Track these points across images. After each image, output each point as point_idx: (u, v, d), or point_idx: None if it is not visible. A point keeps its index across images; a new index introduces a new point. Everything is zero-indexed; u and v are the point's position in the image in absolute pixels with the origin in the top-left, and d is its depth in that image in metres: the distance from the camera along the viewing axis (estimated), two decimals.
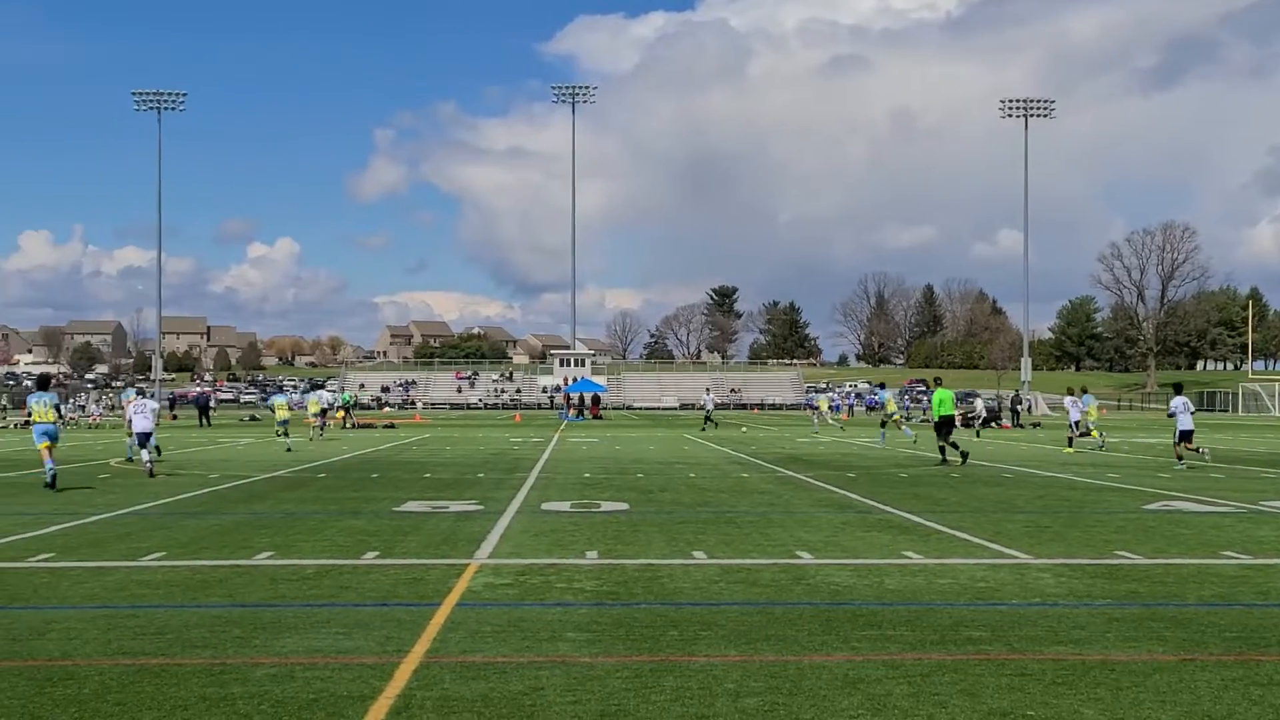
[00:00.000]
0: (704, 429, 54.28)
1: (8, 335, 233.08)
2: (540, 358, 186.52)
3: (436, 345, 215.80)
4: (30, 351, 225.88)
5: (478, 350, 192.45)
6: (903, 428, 43.56)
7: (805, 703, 6.89)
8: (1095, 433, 38.08)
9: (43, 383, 23.80)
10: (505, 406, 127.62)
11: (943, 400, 29.79)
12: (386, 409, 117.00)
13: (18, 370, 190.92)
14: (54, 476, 21.57)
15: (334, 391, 56.25)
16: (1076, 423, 38.03)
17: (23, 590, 10.59)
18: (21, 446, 38.47)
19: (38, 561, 12.33)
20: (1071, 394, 40.23)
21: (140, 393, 36.90)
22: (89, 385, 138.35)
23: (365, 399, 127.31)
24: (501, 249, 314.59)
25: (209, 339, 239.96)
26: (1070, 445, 36.88)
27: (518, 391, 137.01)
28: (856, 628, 8.97)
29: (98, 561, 12.33)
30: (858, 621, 9.20)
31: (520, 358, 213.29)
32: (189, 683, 7.24)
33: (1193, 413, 29.60)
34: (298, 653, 8.04)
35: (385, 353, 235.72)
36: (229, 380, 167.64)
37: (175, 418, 75.75)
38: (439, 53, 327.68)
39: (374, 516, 16.81)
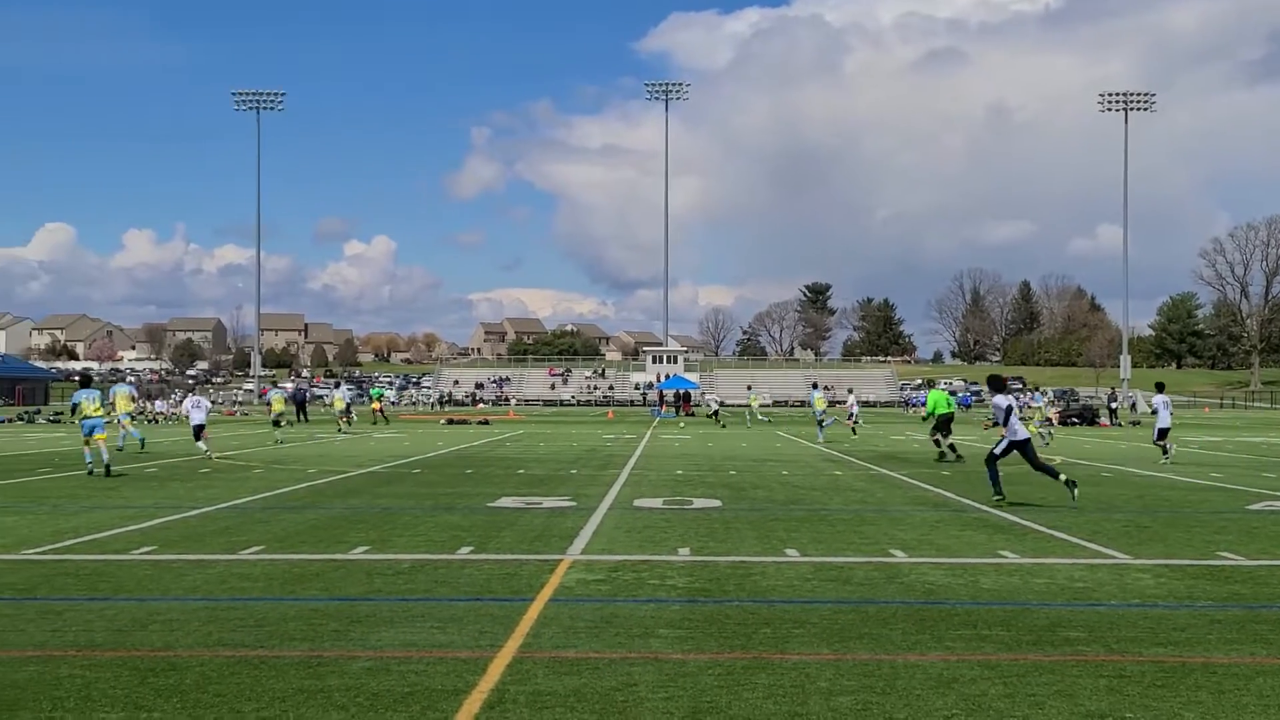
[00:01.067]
0: (722, 425, 53.12)
1: (112, 332, 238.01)
2: (633, 354, 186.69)
3: (530, 342, 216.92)
4: (134, 348, 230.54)
5: (571, 347, 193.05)
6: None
7: (899, 702, 6.84)
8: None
9: (85, 381, 25.20)
10: (598, 403, 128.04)
11: (937, 401, 30.80)
12: (480, 405, 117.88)
13: (122, 366, 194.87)
14: (106, 467, 23.49)
15: (353, 388, 56.74)
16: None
17: (126, 582, 10.80)
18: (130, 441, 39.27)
19: (141, 554, 12.57)
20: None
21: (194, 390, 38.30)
22: (189, 381, 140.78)
23: (459, 395, 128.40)
24: (595, 246, 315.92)
25: (306, 336, 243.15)
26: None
27: (610, 388, 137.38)
28: (951, 627, 8.88)
29: (198, 555, 12.55)
30: (952, 621, 9.11)
31: (613, 354, 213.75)
32: (287, 675, 7.34)
33: (1172, 412, 30.25)
34: (393, 646, 8.12)
35: (479, 349, 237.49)
36: (326, 376, 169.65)
37: (301, 419, 76.76)
38: (534, 52, 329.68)
39: (468, 512, 16.94)
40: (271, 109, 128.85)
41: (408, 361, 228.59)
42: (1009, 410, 18.30)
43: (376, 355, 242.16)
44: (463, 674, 7.38)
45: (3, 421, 59.97)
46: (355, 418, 52.40)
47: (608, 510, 17.19)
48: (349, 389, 59.67)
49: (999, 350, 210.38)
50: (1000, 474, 18.33)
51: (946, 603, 9.90)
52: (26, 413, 74.07)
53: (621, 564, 11.95)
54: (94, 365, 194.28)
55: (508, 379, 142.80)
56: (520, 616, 9.15)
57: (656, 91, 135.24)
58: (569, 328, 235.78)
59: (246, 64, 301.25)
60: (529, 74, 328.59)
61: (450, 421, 64.53)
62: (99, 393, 25.16)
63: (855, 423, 45.84)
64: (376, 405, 61.05)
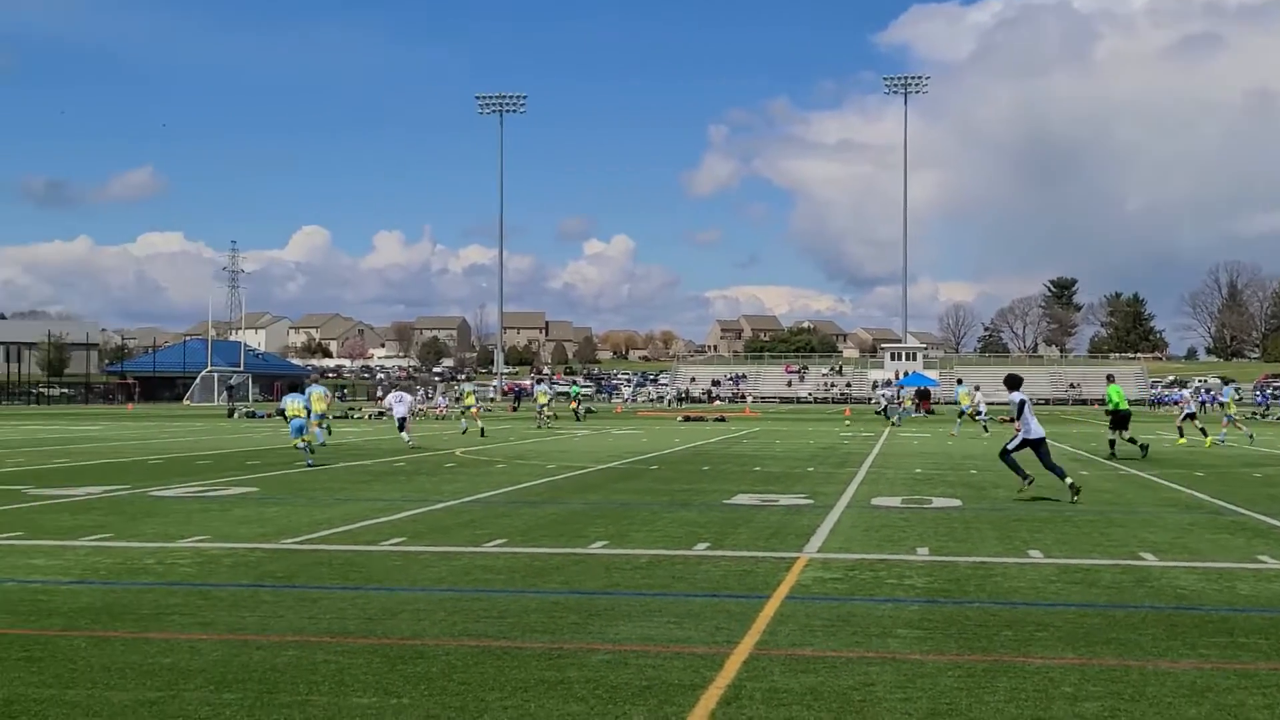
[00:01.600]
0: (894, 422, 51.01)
1: (363, 331, 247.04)
2: (870, 352, 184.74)
3: (766, 339, 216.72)
4: (383, 346, 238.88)
5: (807, 344, 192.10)
6: (1240, 426, 41.09)
7: (1148, 709, 6.61)
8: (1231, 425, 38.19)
9: (294, 386, 27.61)
10: (835, 400, 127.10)
11: (1117, 397, 31.37)
12: (717, 402, 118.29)
13: (372, 364, 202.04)
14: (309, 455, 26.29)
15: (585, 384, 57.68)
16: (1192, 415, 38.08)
17: (376, 573, 11.19)
18: (377, 436, 40.72)
19: (390, 546, 13.01)
20: (1229, 382, 39.72)
21: (405, 384, 39.99)
22: (435, 379, 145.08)
23: (696, 392, 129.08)
24: (833, 242, 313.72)
25: (547, 334, 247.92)
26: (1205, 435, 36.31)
27: (847, 385, 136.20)
28: (1205, 634, 8.53)
29: (444, 547, 12.92)
30: (1206, 628, 8.76)
31: (850, 352, 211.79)
32: (529, 665, 7.50)
33: (1124, 404, 31.42)
34: (631, 640, 8.21)
35: (715, 347, 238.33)
36: (566, 374, 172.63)
37: (516, 409, 78.55)
38: (773, 48, 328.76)
39: (705, 508, 17.02)
40: (514, 111, 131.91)
41: (645, 359, 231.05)
42: (1022, 405, 18.64)
43: (615, 353, 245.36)
44: (699, 669, 7.42)
45: (263, 417, 62.80)
46: (555, 414, 53.42)
47: (845, 508, 17.06)
48: (547, 386, 61.28)
49: (1258, 346, 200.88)
50: (1017, 460, 18.59)
51: (1200, 608, 9.52)
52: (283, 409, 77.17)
53: (859, 563, 11.84)
54: (346, 363, 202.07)
55: (744, 376, 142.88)
56: (756, 613, 9.15)
57: (895, 85, 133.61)
58: (805, 325, 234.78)
59: (490, 68, 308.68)
60: (767, 70, 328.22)
61: (687, 418, 64.93)
62: (304, 396, 28.28)
63: (984, 420, 43.69)
64: (574, 404, 62.96)
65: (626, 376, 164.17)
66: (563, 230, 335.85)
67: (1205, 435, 35.87)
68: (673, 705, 6.64)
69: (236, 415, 65.65)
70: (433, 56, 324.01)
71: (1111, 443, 30.40)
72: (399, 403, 28.49)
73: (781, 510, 16.79)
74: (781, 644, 8.14)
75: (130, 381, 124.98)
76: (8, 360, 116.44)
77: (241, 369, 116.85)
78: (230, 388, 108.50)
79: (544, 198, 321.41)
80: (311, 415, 32.31)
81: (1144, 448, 29.57)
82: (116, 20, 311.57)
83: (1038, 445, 18.51)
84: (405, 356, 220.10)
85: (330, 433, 34.81)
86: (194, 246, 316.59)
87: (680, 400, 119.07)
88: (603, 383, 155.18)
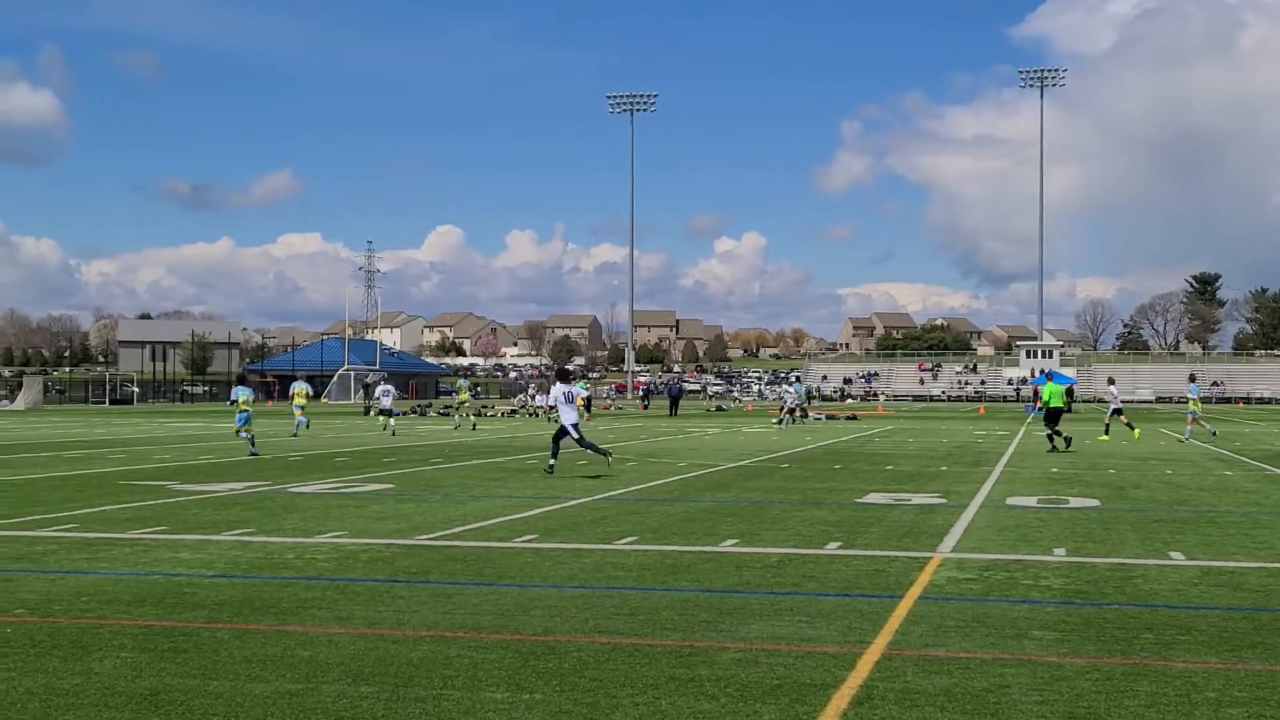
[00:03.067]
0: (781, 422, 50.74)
1: (496, 330, 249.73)
2: (1005, 349, 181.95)
3: (899, 337, 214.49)
4: (516, 345, 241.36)
5: (940, 341, 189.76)
6: (1203, 423, 40.85)
7: None
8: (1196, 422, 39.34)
9: (241, 379, 30.98)
10: (969, 399, 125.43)
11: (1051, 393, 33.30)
12: (849, 400, 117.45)
13: (505, 362, 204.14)
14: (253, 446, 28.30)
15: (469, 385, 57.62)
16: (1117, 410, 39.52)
17: (509, 568, 11.30)
18: (510, 434, 41.12)
19: (523, 542, 13.13)
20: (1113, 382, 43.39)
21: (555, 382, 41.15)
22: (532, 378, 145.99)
23: (827, 390, 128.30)
24: (968, 238, 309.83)
25: (677, 332, 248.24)
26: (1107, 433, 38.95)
27: (982, 383, 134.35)
28: None
29: (576, 544, 13.00)
30: None
31: (984, 349, 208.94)
32: (659, 663, 7.51)
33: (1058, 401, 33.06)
34: (761, 639, 8.19)
35: (847, 344, 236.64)
36: (698, 371, 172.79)
37: (646, 407, 78.80)
38: (906, 42, 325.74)
39: (836, 507, 16.91)
40: (644, 110, 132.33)
41: (776, 357, 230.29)
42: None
43: (745, 350, 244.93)
44: (831, 668, 7.37)
45: (398, 415, 63.75)
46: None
47: (979, 508, 16.83)
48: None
49: None
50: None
51: None
52: (419, 406, 78.51)
53: (993, 563, 11.67)
54: (479, 361, 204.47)
55: (876, 374, 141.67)
56: (889, 613, 9.07)
57: (1031, 79, 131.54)
58: (939, 322, 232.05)
59: (620, 67, 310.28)
60: (900, 65, 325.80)
61: (817, 416, 64.51)
62: (249, 390, 30.87)
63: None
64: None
65: (757, 374, 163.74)
66: (693, 228, 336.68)
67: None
68: (804, 704, 6.60)
69: (373, 413, 66.77)
70: (564, 57, 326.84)
71: (1049, 437, 31.96)
72: (385, 395, 28.72)
73: (914, 509, 16.62)
74: (914, 644, 8.05)
75: (270, 380, 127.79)
76: (154, 359, 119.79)
77: (378, 367, 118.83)
78: (366, 386, 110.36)
79: (675, 196, 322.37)
80: (295, 406, 35.38)
81: (1067, 440, 31.64)
82: (256, 26, 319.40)
83: None
84: (537, 355, 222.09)
85: (308, 425, 40.50)
86: (331, 247, 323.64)
87: (810, 398, 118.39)
88: (733, 380, 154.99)
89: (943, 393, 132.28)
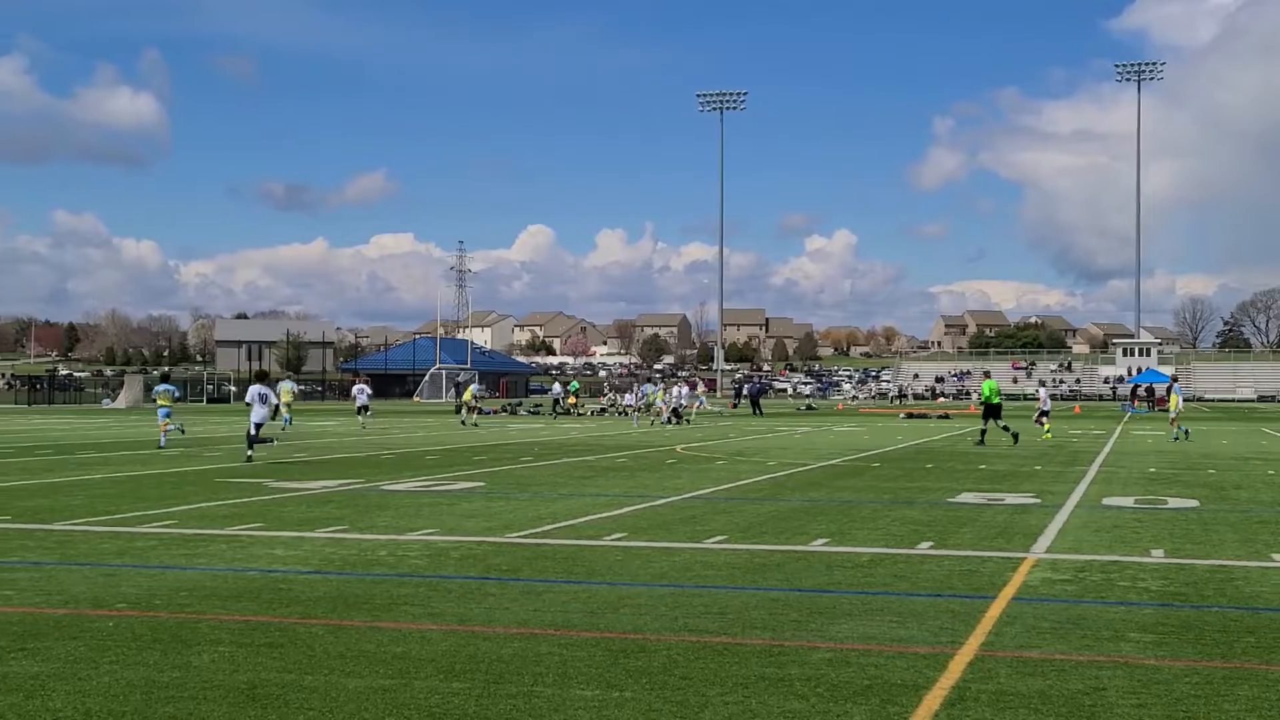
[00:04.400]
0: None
1: (585, 329, 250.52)
2: (1101, 347, 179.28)
3: (991, 335, 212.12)
4: (605, 344, 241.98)
5: (1034, 340, 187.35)
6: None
7: None
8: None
9: (165, 378, 31.38)
10: (1063, 398, 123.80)
11: (991, 389, 35.12)
12: (940, 399, 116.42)
13: (594, 361, 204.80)
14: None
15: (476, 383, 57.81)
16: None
17: (599, 566, 11.34)
18: (600, 432, 41.25)
19: (612, 540, 13.16)
20: (1044, 384, 45.09)
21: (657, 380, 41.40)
22: (656, 375, 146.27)
23: (919, 389, 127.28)
24: (1063, 235, 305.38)
25: (767, 330, 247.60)
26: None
27: (1077, 382, 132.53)
28: None
29: (665, 542, 13.01)
30: None
31: (1080, 347, 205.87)
32: (749, 662, 7.49)
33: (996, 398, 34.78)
34: (852, 639, 8.14)
35: (939, 343, 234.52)
36: (788, 370, 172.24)
37: (736, 405, 78.65)
38: (1000, 37, 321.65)
39: (928, 506, 16.77)
40: (734, 108, 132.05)
41: (867, 355, 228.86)
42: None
43: (836, 349, 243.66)
44: (923, 669, 7.31)
45: (489, 413, 64.26)
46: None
47: (1074, 508, 16.61)
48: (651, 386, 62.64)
49: None
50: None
51: None
52: (509, 404, 78.96)
53: (1089, 564, 11.51)
54: (569, 360, 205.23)
55: (968, 372, 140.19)
56: (982, 614, 8.98)
57: (1128, 72, 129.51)
58: (1033, 320, 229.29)
59: (710, 65, 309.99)
60: (995, 60, 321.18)
61: (909, 415, 64.10)
62: (174, 387, 33.41)
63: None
64: (571, 399, 64.93)
65: (847, 373, 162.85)
66: (784, 226, 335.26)
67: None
68: (895, 705, 6.55)
69: (464, 412, 67.28)
70: (653, 56, 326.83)
71: (982, 433, 33.92)
72: (260, 402, 28.95)
73: (1008, 509, 16.44)
74: (1008, 646, 7.96)
75: (363, 378, 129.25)
76: (249, 358, 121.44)
77: (469, 366, 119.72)
78: (458, 385, 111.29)
79: (765, 194, 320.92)
80: (281, 405, 38.13)
81: (1015, 435, 33.35)
82: (351, 29, 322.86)
83: None
84: (626, 354, 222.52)
85: (292, 423, 42.75)
86: (424, 247, 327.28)
87: (902, 397, 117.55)
88: (823, 379, 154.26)
89: (1036, 391, 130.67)
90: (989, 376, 38.38)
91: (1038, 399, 42.09)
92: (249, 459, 25.86)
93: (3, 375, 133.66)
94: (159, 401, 33.26)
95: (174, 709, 6.41)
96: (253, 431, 26.25)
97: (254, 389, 27.67)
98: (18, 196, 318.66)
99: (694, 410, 57.98)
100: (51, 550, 12.27)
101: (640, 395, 56.23)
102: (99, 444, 28.99)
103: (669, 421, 49.55)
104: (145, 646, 7.83)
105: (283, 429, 40.46)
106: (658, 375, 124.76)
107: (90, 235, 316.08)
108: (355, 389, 48.54)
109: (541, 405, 75.51)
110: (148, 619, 8.71)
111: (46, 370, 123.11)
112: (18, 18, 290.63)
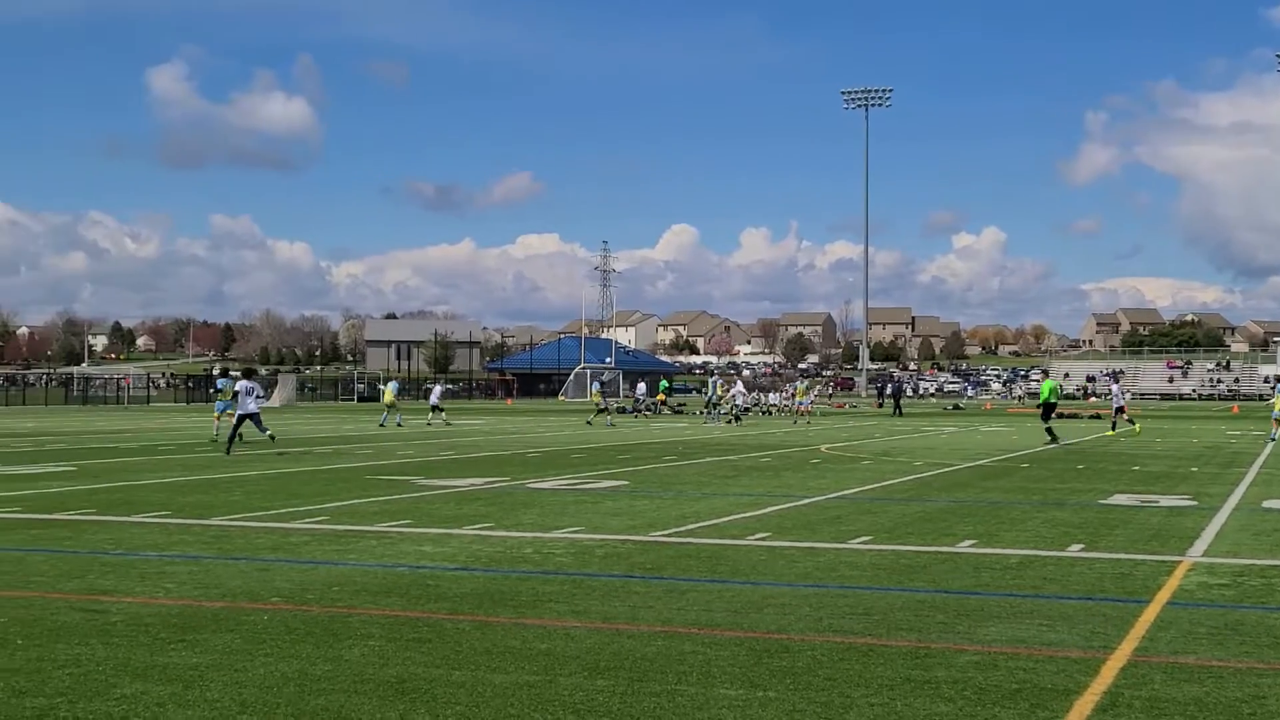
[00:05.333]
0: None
1: (729, 328, 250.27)
2: (1262, 345, 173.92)
3: (1145, 333, 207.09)
4: (749, 343, 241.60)
5: (1190, 338, 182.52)
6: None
7: None
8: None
9: (224, 372, 32.27)
10: (1221, 397, 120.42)
11: (1050, 389, 36.00)
12: (1092, 399, 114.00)
13: (738, 360, 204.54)
14: (223, 442, 28.70)
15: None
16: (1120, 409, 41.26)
17: (742, 566, 11.31)
18: (741, 431, 41.17)
19: (755, 540, 13.13)
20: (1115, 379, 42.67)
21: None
22: (800, 374, 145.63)
23: (1069, 388, 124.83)
24: (1221, 230, 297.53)
25: (913, 329, 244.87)
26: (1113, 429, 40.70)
27: (1235, 381, 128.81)
28: None
29: (809, 542, 12.94)
30: None
31: (1239, 345, 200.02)
32: (894, 664, 7.42)
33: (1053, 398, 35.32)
34: (1000, 642, 8.01)
35: (1090, 341, 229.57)
36: (935, 369, 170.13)
37: (881, 405, 77.91)
38: (1155, 27, 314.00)
39: (1079, 508, 16.44)
40: (880, 106, 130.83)
41: (1015, 354, 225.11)
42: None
43: (983, 348, 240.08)
44: (1073, 674, 7.17)
45: (634, 413, 64.53)
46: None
47: (1232, 510, 16.15)
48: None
49: None
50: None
51: None
52: (652, 404, 79.17)
53: (1248, 568, 11.18)
54: (712, 359, 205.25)
55: (1121, 371, 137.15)
56: (1135, 618, 8.77)
57: None
58: (1189, 317, 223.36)
59: (854, 63, 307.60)
60: (1150, 52, 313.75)
61: (1059, 415, 62.79)
62: (231, 381, 32.50)
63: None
64: (661, 396, 64.99)
65: (995, 372, 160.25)
66: (930, 224, 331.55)
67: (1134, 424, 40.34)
68: (1045, 710, 6.43)
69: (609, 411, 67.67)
70: (796, 54, 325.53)
71: (1049, 430, 33.69)
72: (248, 395, 29.02)
73: (1163, 511, 16.04)
74: (1162, 651, 7.77)
75: (509, 377, 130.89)
76: (398, 358, 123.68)
77: (613, 365, 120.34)
78: (602, 384, 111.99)
79: (911, 191, 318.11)
80: (389, 405, 41.84)
81: (1055, 437, 33.30)
82: (498, 32, 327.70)
83: None
84: (770, 353, 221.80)
85: (400, 423, 45.38)
86: (569, 247, 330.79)
87: (1060, 397, 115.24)
88: (970, 378, 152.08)
89: (1193, 391, 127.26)
90: (1048, 376, 39.66)
91: (1109, 396, 43.47)
92: (224, 443, 28.58)
93: (163, 374, 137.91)
94: (223, 396, 34.55)
95: (325, 701, 6.55)
96: (249, 422, 28.55)
97: (242, 384, 29.50)
98: (178, 201, 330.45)
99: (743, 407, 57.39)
100: (209, 545, 12.62)
101: (721, 393, 56.20)
102: (251, 441, 29.75)
103: (731, 420, 49.18)
104: (298, 639, 8.01)
105: (398, 426, 44.25)
106: (800, 373, 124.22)
107: (246, 237, 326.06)
108: (432, 389, 54.18)
109: (685, 404, 75.75)
110: (300, 613, 8.92)
111: (204, 369, 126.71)
112: (182, 25, 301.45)
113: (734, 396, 51.24)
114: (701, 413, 59.22)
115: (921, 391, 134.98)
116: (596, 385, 54.21)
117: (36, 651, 7.64)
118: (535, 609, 9.11)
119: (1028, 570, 11.06)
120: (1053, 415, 35.09)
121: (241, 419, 28.24)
